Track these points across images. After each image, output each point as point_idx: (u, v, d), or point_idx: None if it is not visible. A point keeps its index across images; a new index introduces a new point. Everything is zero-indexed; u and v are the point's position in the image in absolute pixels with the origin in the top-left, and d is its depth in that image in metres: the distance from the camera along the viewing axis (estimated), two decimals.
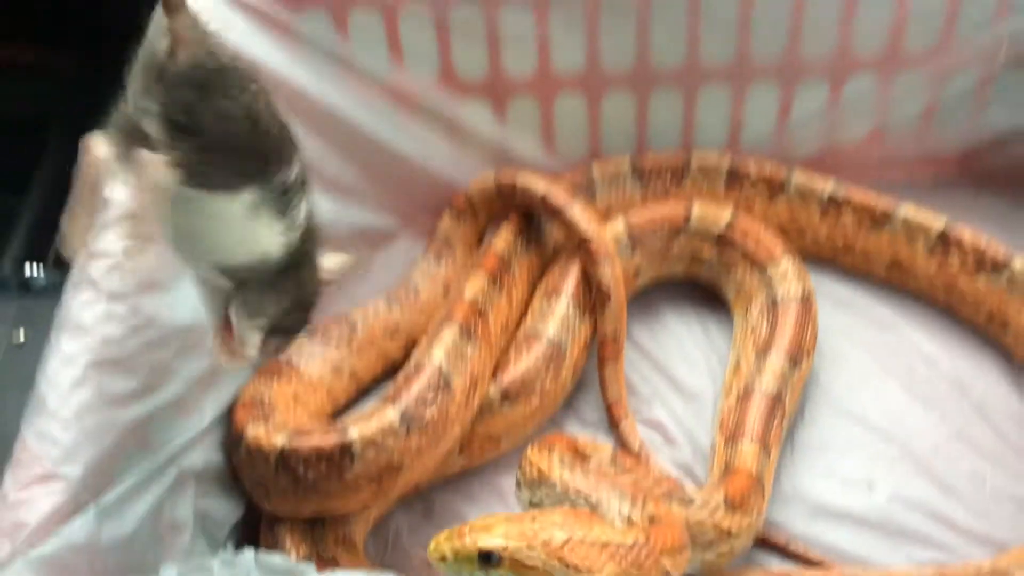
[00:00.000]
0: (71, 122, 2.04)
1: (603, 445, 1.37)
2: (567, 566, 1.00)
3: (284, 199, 1.08)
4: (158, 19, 1.05)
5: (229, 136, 1.04)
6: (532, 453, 1.28)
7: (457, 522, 1.13)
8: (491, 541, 1.01)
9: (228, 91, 1.04)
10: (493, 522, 1.05)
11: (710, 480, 1.42)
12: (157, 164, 1.02)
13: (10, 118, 2.04)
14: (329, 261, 1.20)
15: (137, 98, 1.04)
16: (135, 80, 1.05)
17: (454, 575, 1.03)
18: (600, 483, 1.21)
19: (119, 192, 1.22)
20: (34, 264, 1.78)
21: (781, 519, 1.42)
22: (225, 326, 1.14)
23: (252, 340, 1.14)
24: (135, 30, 1.48)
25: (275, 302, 1.14)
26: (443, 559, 1.03)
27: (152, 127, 1.03)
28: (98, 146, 1.09)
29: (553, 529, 1.03)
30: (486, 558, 1.00)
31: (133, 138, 1.05)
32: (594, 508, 1.18)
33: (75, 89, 2.01)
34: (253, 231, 1.08)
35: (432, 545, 1.05)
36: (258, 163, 1.06)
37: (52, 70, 2.12)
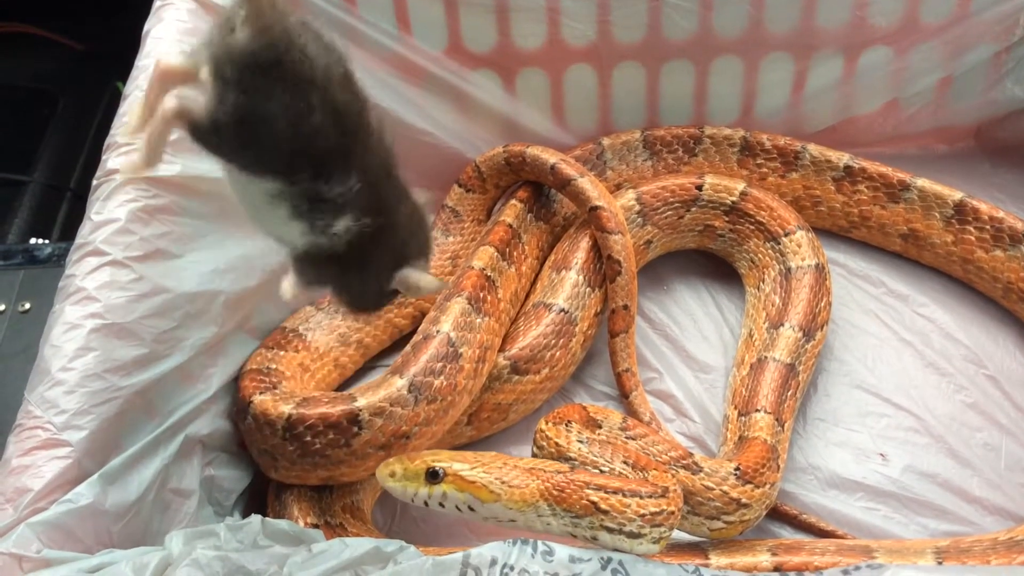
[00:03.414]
0: (75, 97, 2.07)
1: (613, 411, 1.36)
2: (502, 482, 1.13)
3: (313, 206, 1.02)
4: None
5: (266, 129, 0.97)
6: (548, 428, 1.27)
7: None
8: (438, 461, 1.14)
9: (288, 83, 0.96)
10: (439, 451, 1.19)
11: (723, 451, 1.41)
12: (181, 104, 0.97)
13: (15, 93, 2.04)
14: (424, 279, 1.14)
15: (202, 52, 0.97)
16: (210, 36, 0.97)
17: (399, 489, 1.14)
18: (614, 455, 1.23)
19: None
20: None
21: (794, 490, 1.41)
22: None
23: (289, 286, 1.12)
24: (139, 8, 1.48)
25: (317, 279, 1.12)
26: (392, 475, 1.15)
27: (207, 80, 0.97)
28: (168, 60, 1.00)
29: (489, 457, 1.16)
30: (432, 475, 1.13)
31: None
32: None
33: (80, 65, 2.03)
34: (271, 217, 1.04)
35: (382, 466, 1.16)
36: (290, 162, 1.00)
37: (57, 47, 2.12)
